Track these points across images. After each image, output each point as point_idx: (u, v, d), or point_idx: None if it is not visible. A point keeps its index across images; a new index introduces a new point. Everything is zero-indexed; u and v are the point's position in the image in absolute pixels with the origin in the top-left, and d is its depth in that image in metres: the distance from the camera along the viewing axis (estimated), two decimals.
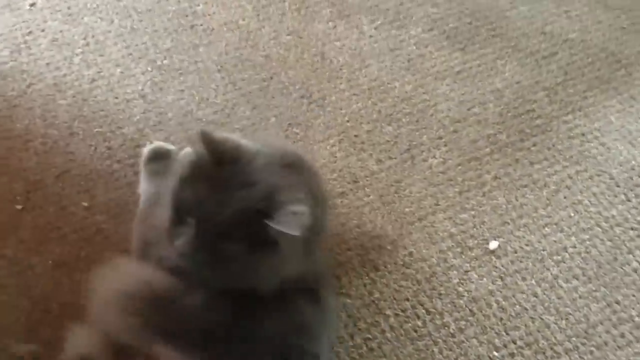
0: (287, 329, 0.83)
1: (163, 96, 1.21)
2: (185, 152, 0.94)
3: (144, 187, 1.06)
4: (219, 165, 0.78)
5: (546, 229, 1.10)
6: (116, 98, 1.20)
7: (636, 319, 1.02)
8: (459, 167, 1.16)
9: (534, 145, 1.20)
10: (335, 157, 1.17)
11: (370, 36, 1.35)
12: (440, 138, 1.20)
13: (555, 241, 1.09)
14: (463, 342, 0.98)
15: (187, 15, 1.35)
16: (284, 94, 1.24)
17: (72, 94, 1.20)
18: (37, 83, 1.21)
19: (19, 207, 1.06)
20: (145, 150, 1.10)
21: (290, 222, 0.75)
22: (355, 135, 1.19)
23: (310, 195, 0.82)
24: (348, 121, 1.21)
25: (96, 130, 1.16)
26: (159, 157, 1.08)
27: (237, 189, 0.77)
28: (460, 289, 1.03)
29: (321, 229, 0.89)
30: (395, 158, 1.17)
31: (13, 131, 1.15)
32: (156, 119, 1.19)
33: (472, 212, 1.11)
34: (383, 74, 1.28)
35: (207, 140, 0.78)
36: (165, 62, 1.27)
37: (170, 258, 0.84)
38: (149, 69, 1.25)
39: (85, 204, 1.07)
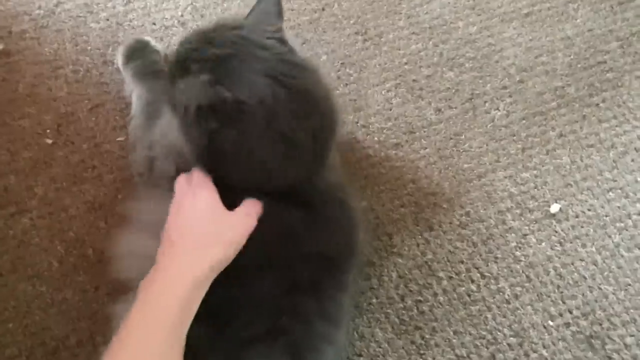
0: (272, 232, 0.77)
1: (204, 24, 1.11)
2: None
3: (138, 91, 0.98)
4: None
5: (610, 193, 1.04)
6: (153, 24, 1.10)
7: None
8: (523, 122, 1.08)
9: (604, 101, 1.11)
10: (391, 103, 1.08)
11: None
12: (505, 88, 1.11)
13: (619, 207, 1.03)
14: (518, 309, 0.95)
15: None
16: (337, 28, 1.14)
17: (105, 16, 1.10)
18: (66, 2, 1.11)
19: (49, 141, 1.00)
20: (121, 48, 1.03)
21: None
22: (414, 80, 1.10)
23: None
24: (406, 63, 1.12)
25: None
26: (138, 54, 1.02)
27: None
28: (518, 253, 0.99)
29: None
30: (455, 108, 1.09)
31: (41, 55, 1.05)
32: None
33: (534, 172, 1.05)
34: (446, 12, 1.17)
35: None
36: None
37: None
38: None
39: (121, 139, 1.00)
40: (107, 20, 1.10)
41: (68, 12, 1.10)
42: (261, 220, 0.76)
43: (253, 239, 0.75)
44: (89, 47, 1.07)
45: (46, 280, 0.91)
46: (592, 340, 0.94)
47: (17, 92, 1.02)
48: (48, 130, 1.00)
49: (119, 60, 1.03)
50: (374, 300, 0.94)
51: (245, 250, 0.75)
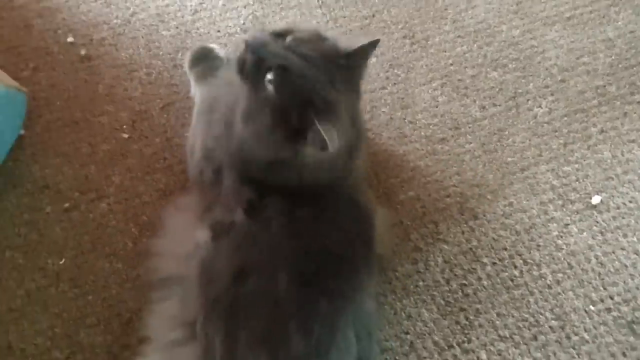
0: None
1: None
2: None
3: (197, 91, 1.05)
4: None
5: None
6: (218, 32, 1.19)
7: None
8: (565, 118, 1.13)
9: None
10: (437, 101, 1.14)
11: None
12: (547, 87, 1.16)
13: None
14: (559, 294, 0.98)
15: None
16: (386, 33, 1.21)
17: (174, 25, 1.20)
18: (140, 12, 1.21)
19: (125, 135, 1.08)
20: (189, 54, 1.10)
21: (318, 142, 0.75)
22: (459, 80, 1.16)
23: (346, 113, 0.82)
24: (452, 64, 1.18)
25: None
26: (203, 59, 1.08)
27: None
28: (560, 241, 1.02)
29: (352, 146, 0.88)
30: (499, 105, 1.14)
31: (118, 60, 1.15)
32: None
33: (576, 165, 1.09)
34: (490, 16, 1.23)
35: None
36: None
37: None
38: (251, 2, 1.23)
39: None
40: (177, 28, 1.19)
41: (142, 21, 1.20)
42: (272, 218, 0.82)
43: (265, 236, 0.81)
44: (161, 52, 1.16)
45: (122, 259, 0.98)
46: (634, 326, 0.95)
47: (97, 92, 1.12)
48: (124, 126, 1.08)
49: (186, 64, 1.11)
50: (421, 283, 0.98)
51: (257, 248, 0.81)
